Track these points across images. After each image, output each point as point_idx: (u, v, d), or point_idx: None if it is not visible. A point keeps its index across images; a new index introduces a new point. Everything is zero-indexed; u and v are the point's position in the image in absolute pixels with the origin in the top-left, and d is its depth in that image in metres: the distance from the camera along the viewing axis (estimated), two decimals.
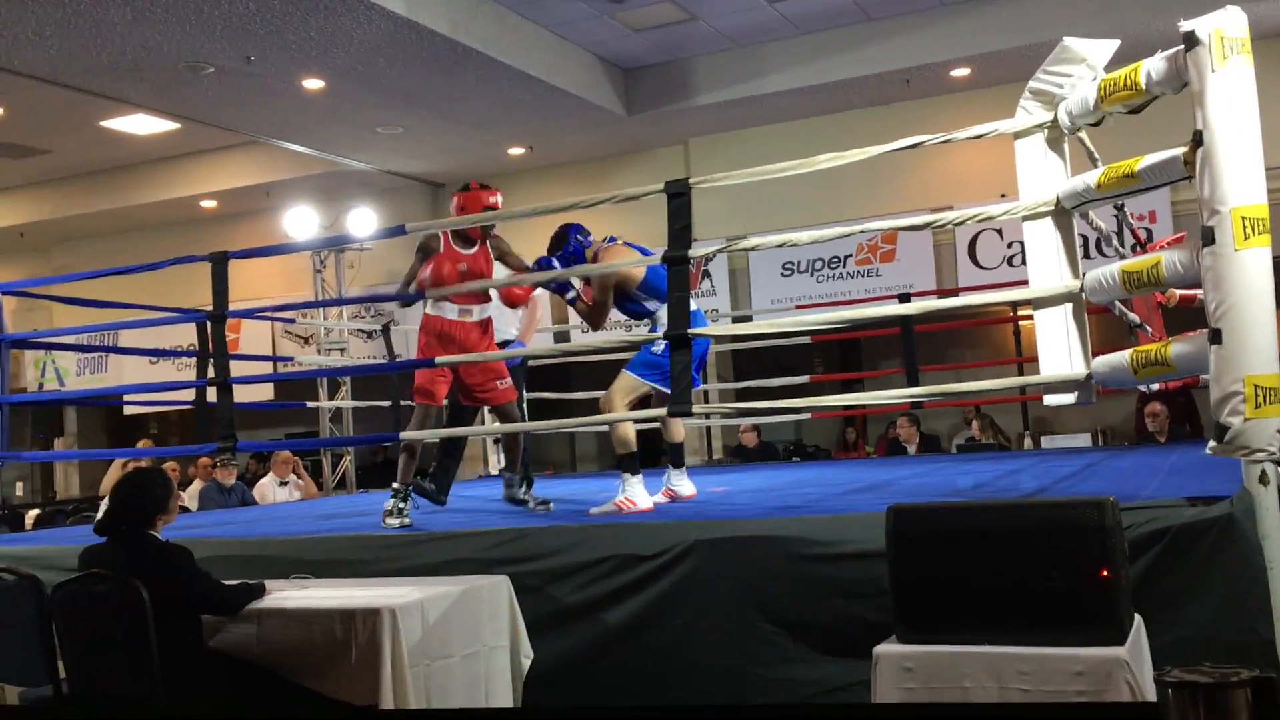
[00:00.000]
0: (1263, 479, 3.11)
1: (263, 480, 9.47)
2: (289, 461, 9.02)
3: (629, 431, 4.99)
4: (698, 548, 3.81)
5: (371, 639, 3.29)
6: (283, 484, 9.27)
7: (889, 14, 9.94)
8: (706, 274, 11.72)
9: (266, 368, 11.74)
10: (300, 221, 11.08)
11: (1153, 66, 3.41)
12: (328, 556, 4.43)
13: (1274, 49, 9.48)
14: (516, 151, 12.18)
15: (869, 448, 11.69)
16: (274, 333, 12.77)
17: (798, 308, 10.38)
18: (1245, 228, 3.10)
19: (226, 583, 3.65)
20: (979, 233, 10.37)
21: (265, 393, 11.13)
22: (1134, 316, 5.11)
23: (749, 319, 10.61)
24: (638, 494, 4.84)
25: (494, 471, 9.37)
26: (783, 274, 11.41)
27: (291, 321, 11.87)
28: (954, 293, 9.48)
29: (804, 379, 8.41)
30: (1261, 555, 3.08)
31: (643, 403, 5.11)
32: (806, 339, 9.05)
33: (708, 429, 11.61)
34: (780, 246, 4.84)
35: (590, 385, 9.97)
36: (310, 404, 9.62)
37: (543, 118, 10.90)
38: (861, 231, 4.50)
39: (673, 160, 12.13)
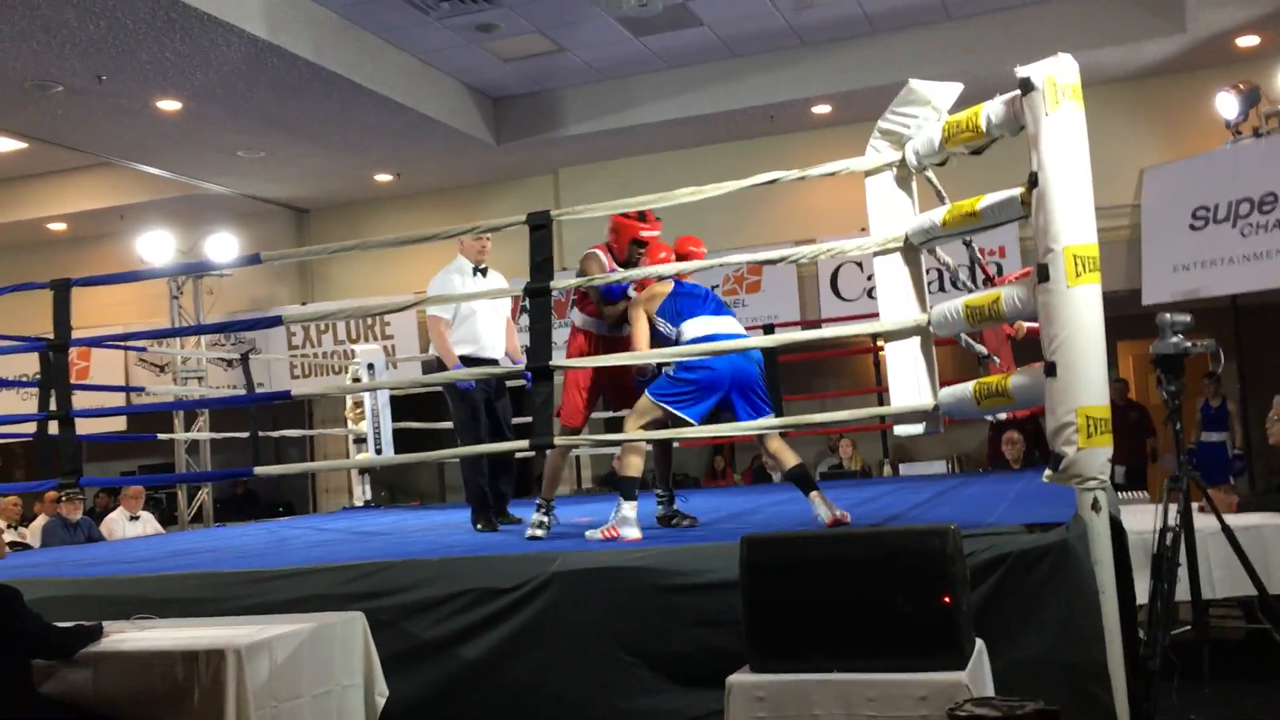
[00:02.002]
0: (1095, 506, 3.25)
1: (112, 515, 9.08)
2: (139, 495, 8.67)
3: (636, 455, 4.70)
4: (557, 579, 3.79)
5: (215, 681, 3.17)
6: (134, 519, 8.91)
7: (753, 51, 10.17)
8: (574, 303, 11.71)
9: (119, 398, 11.28)
10: (155, 246, 10.71)
11: (992, 110, 3.56)
12: (174, 595, 4.26)
13: (1108, 94, 10.03)
14: (384, 178, 12.04)
15: (737, 475, 11.84)
16: (127, 361, 12.30)
17: None
18: (1077, 265, 3.25)
19: (60, 625, 3.48)
20: (840, 265, 10.63)
21: (119, 423, 10.70)
22: (981, 348, 5.29)
23: None
24: (627, 523, 4.51)
25: (358, 503, 9.19)
26: None
27: (144, 350, 11.44)
28: (817, 324, 9.72)
29: None
30: (1094, 580, 3.21)
31: (659, 426, 4.82)
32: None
33: (577, 458, 11.59)
34: (635, 280, 4.86)
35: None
36: (163, 436, 9.27)
37: (410, 145, 10.80)
38: (721, 265, 4.57)
39: (542, 190, 12.15)
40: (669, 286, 4.82)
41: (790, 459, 4.59)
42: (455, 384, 5.52)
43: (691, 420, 4.53)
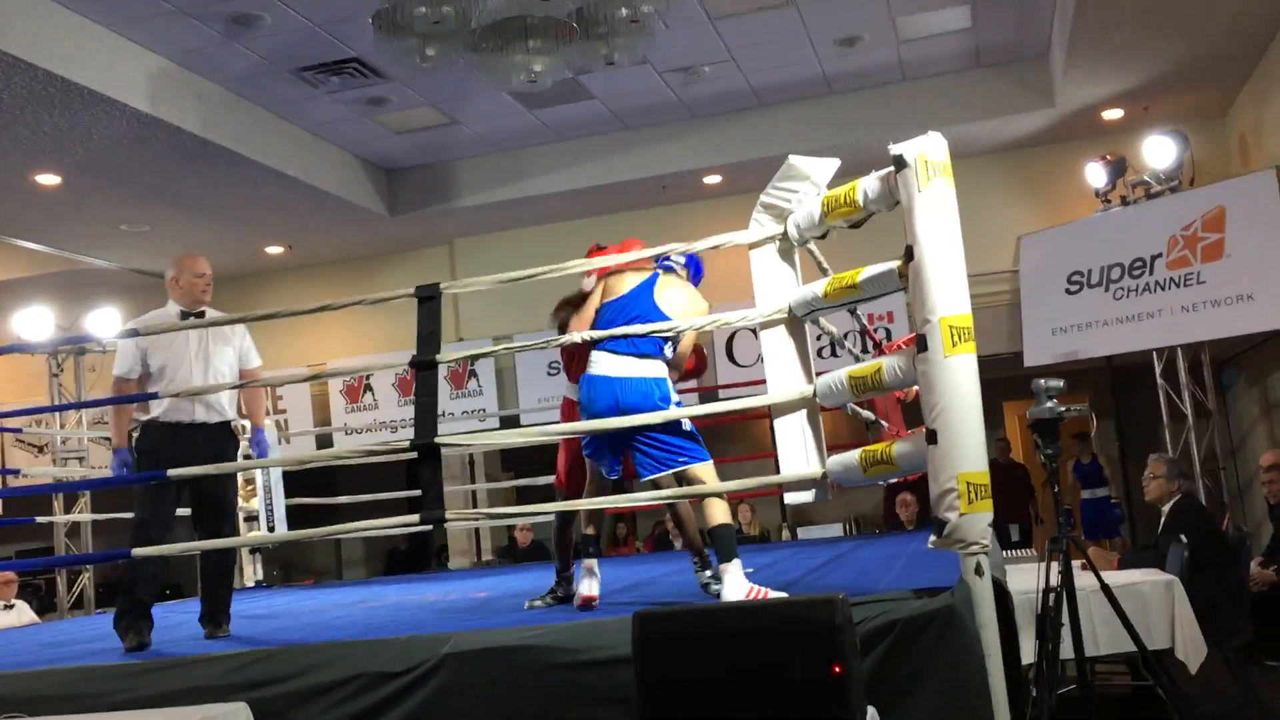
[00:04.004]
0: (978, 570, 3.32)
1: None
2: (11, 582, 8.29)
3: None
4: (448, 661, 3.71)
5: None
6: (8, 607, 8.50)
7: (644, 124, 10.36)
8: (473, 373, 11.66)
9: None
10: (33, 322, 10.35)
11: (868, 185, 3.67)
12: (48, 692, 4.05)
13: (984, 164, 10.46)
14: (275, 250, 11.88)
15: (639, 543, 11.82)
16: (3, 442, 11.82)
17: None
18: (953, 336, 3.34)
19: None
20: (735, 332, 10.78)
21: None
22: (869, 414, 5.40)
23: (516, 419, 10.61)
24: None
25: (250, 583, 8.91)
26: (549, 372, 11.46)
27: (20, 431, 11.01)
28: (713, 390, 9.82)
29: None
30: (980, 643, 3.27)
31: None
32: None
33: (476, 530, 11.46)
34: (520, 349, 4.85)
35: (356, 489, 9.73)
36: (41, 519, 8.89)
37: (301, 217, 10.70)
38: (611, 336, 4.57)
39: (438, 260, 12.13)
40: (592, 308, 4.50)
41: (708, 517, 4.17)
42: (112, 467, 4.65)
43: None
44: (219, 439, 4.94)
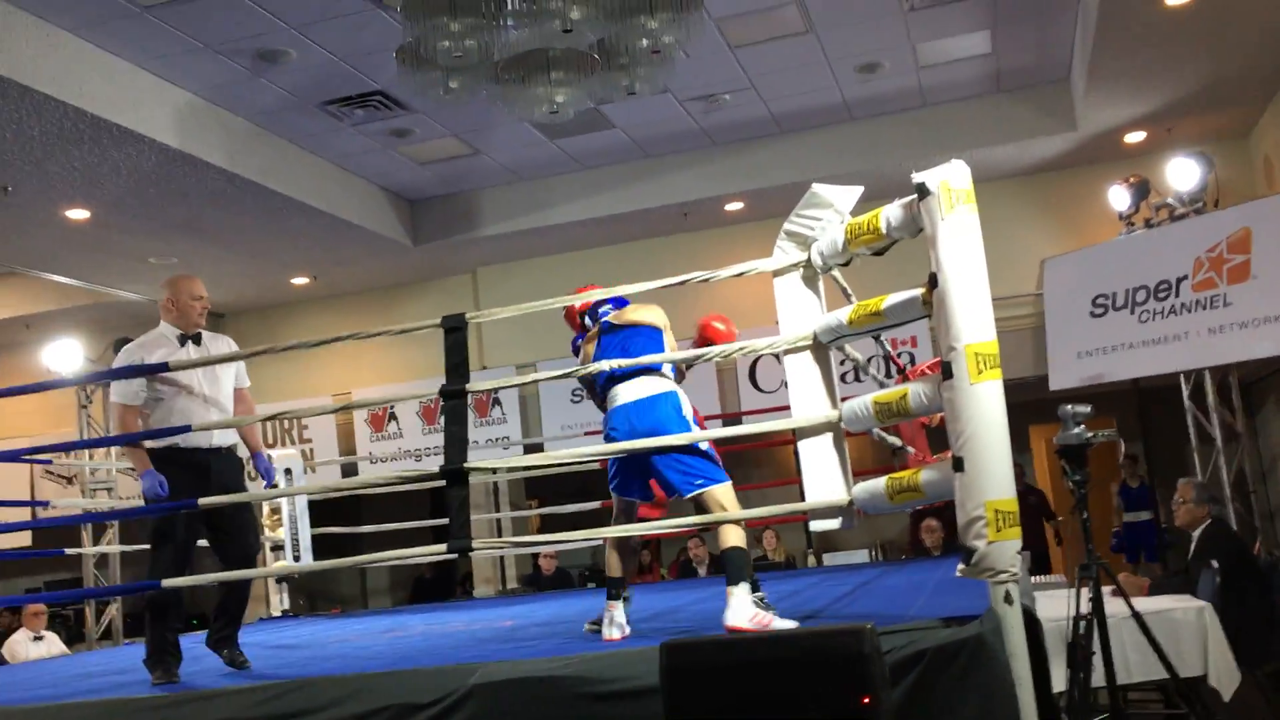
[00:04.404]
0: (1007, 599, 3.30)
1: (14, 635, 8.72)
2: (41, 614, 8.34)
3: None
4: (476, 692, 3.71)
5: None
6: (37, 639, 8.57)
7: (666, 151, 10.41)
8: (497, 401, 11.70)
9: (24, 512, 10.90)
10: (63, 355, 10.48)
11: (891, 213, 3.67)
12: None
13: (1007, 188, 10.45)
14: (300, 281, 11.97)
15: (663, 570, 11.78)
16: (33, 474, 11.92)
17: (586, 434, 10.45)
18: (978, 363, 3.33)
19: None
20: (758, 358, 10.76)
21: (24, 538, 10.33)
22: (895, 440, 5.38)
23: (540, 446, 10.62)
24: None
25: (276, 613, 8.94)
26: (572, 400, 11.49)
27: (50, 462, 11.11)
28: (737, 416, 9.81)
29: (597, 504, 8.44)
30: (1010, 672, 3.24)
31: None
32: (598, 464, 9.11)
33: (501, 557, 11.46)
34: (545, 379, 4.87)
35: (380, 519, 9.77)
36: (70, 550, 8.95)
37: (326, 248, 10.79)
38: (635, 364, 4.59)
39: (461, 289, 12.19)
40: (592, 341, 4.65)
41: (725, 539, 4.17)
42: (146, 490, 4.57)
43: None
44: (234, 464, 4.93)
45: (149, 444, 4.68)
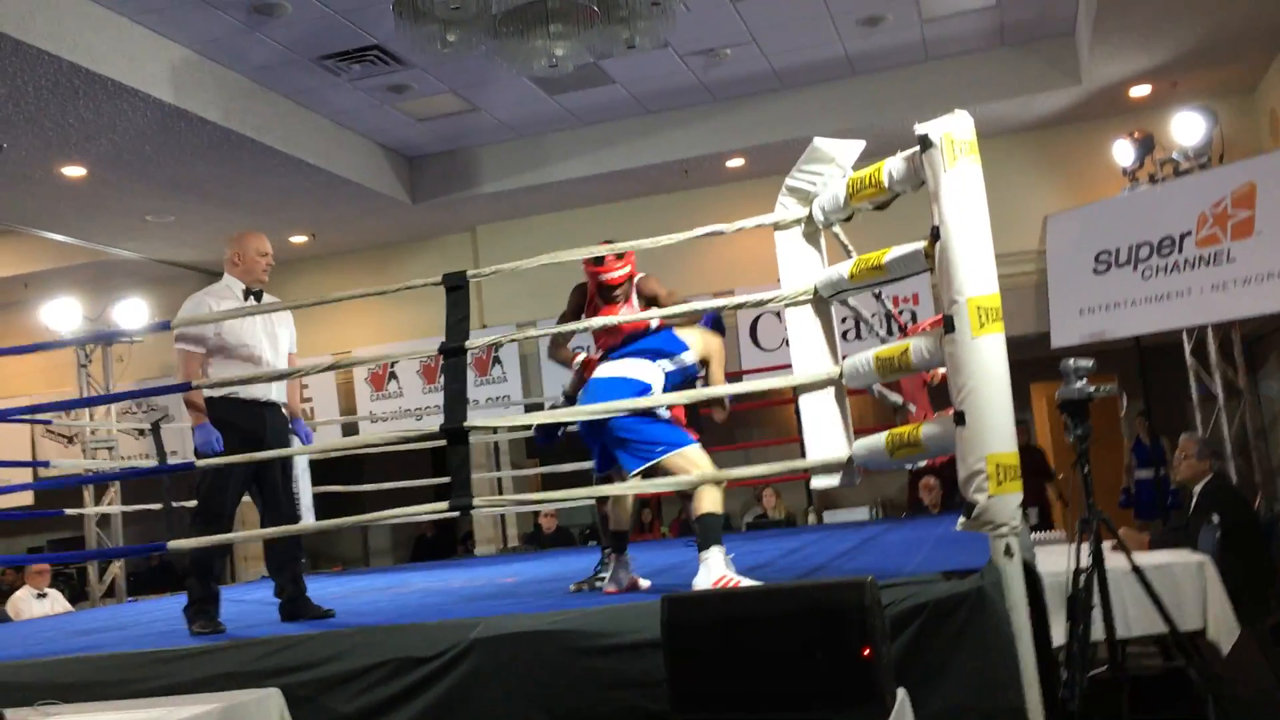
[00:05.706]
0: (1008, 552, 3.30)
1: (18, 593, 8.76)
2: (45, 572, 8.37)
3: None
4: (477, 646, 3.73)
5: None
6: (41, 596, 8.61)
7: (666, 107, 10.31)
8: (497, 360, 11.68)
9: (25, 473, 10.92)
10: (62, 314, 10.43)
11: (893, 166, 3.64)
12: (82, 679, 4.11)
13: (1009, 143, 10.36)
14: (298, 239, 11.91)
15: (664, 529, 11.82)
16: (34, 434, 11.94)
17: None
18: (980, 316, 3.32)
19: None
20: (759, 316, 10.74)
21: (25, 498, 10.35)
22: (896, 397, 5.36)
23: (540, 405, 10.62)
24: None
25: None
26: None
27: (50, 422, 11.11)
28: (738, 375, 9.77)
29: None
30: (1010, 625, 3.25)
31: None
32: None
33: (502, 516, 11.49)
34: (540, 335, 4.88)
35: (381, 477, 9.77)
36: (71, 511, 8.97)
37: (324, 206, 10.72)
38: (635, 320, 4.58)
39: (460, 247, 12.13)
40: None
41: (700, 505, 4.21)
42: (200, 445, 4.71)
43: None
44: (283, 420, 5.09)
45: (207, 393, 4.76)
